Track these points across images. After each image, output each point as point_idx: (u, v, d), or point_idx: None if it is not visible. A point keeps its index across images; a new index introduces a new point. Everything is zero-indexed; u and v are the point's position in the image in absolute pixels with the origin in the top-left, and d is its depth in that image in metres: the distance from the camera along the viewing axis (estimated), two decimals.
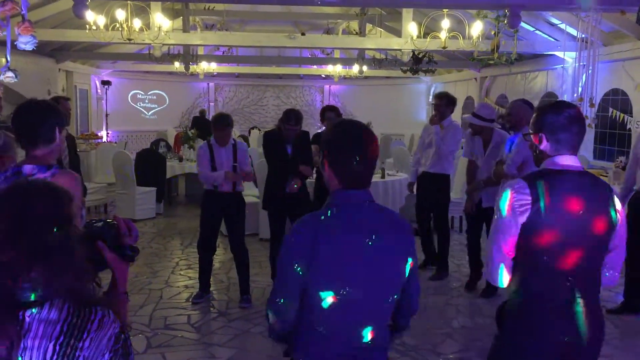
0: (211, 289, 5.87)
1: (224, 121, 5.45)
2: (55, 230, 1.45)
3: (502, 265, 2.34)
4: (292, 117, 5.50)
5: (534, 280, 2.32)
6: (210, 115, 16.07)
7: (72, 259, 1.46)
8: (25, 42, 2.72)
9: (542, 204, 2.23)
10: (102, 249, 1.65)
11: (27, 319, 1.39)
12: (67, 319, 1.41)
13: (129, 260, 1.69)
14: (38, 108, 2.63)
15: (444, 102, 6.26)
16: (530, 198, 2.25)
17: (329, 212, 1.95)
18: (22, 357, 1.38)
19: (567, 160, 2.34)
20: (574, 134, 2.35)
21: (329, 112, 6.36)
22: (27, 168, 2.49)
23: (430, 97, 18.04)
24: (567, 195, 2.26)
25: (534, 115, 2.47)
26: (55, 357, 1.39)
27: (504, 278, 2.36)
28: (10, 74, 2.75)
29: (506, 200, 2.29)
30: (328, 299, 1.91)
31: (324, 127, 6.66)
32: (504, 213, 2.29)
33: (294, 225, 2.00)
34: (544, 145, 2.37)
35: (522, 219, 2.26)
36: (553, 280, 2.29)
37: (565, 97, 9.98)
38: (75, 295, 1.44)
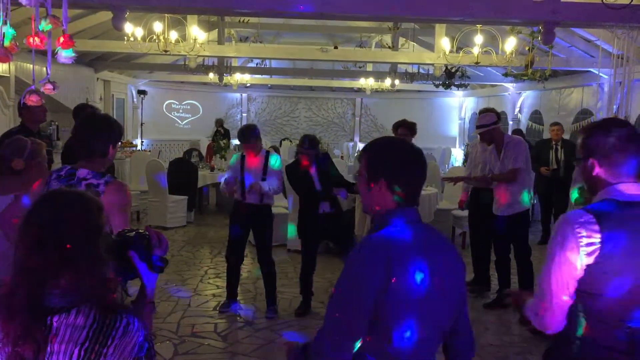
0: (238, 298, 5.92)
1: (245, 136, 5.53)
2: (84, 238, 1.50)
3: (558, 311, 2.03)
4: (306, 140, 5.60)
5: (593, 326, 2.00)
6: (240, 124, 16.29)
7: (100, 267, 1.50)
8: (65, 56, 2.82)
9: (613, 244, 1.91)
10: (132, 258, 1.70)
11: (55, 324, 1.44)
12: (93, 325, 1.45)
13: (158, 271, 1.73)
14: (96, 124, 2.90)
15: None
16: (599, 235, 1.92)
17: (390, 231, 1.81)
18: None
19: (632, 189, 2.01)
20: (632, 156, 2.03)
21: (402, 129, 6.29)
22: (82, 172, 2.73)
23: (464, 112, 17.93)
24: None
25: (580, 137, 2.17)
26: None
27: (560, 324, 2.06)
28: (49, 86, 2.85)
29: (569, 236, 1.96)
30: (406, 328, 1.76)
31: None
32: (566, 251, 1.96)
33: (355, 253, 1.81)
34: (597, 171, 2.06)
35: (589, 260, 1.93)
36: (612, 328, 1.98)
37: (601, 115, 9.82)
38: (101, 302, 1.48)
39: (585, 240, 1.92)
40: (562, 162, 8.64)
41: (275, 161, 5.60)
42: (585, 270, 1.94)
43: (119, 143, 3.01)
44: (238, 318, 5.53)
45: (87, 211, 1.55)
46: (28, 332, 1.41)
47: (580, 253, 1.93)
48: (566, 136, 9.57)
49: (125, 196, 2.76)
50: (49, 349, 1.42)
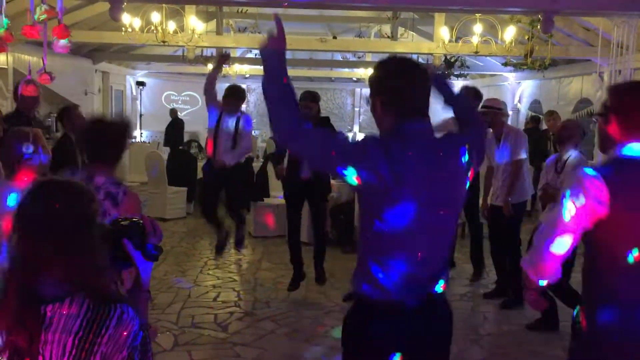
0: (238, 289, 5.94)
1: (235, 95, 6.04)
2: (76, 227, 1.50)
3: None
4: (307, 95, 5.48)
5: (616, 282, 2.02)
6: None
7: (93, 255, 1.50)
8: (61, 46, 2.81)
9: (621, 201, 1.94)
10: (126, 247, 1.70)
11: (49, 313, 1.44)
12: (87, 315, 1.45)
13: (153, 260, 1.73)
14: (113, 130, 2.86)
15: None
16: (608, 194, 1.94)
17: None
18: (42, 350, 1.43)
19: None
20: None
21: None
22: (100, 179, 2.73)
23: None
24: None
25: (609, 93, 2.20)
26: (74, 351, 1.43)
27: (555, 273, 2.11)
28: (46, 76, 2.84)
29: (577, 194, 1.98)
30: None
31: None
32: (571, 211, 1.99)
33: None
34: (613, 128, 2.10)
35: (593, 218, 1.98)
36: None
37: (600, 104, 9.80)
38: (95, 291, 1.48)
39: (591, 195, 1.95)
40: None
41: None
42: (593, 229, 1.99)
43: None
44: (238, 309, 5.54)
45: (79, 200, 1.54)
46: (21, 321, 1.41)
47: (588, 207, 1.96)
48: None
49: (138, 207, 2.84)
50: (42, 338, 1.42)
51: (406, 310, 1.98)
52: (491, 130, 5.67)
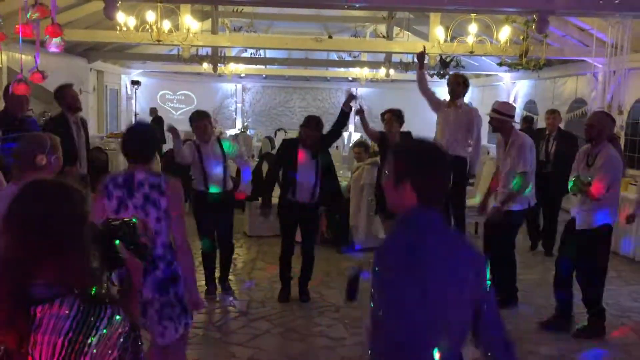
0: (233, 288, 5.93)
1: (196, 116, 5.55)
2: (67, 228, 1.49)
3: None
4: (312, 121, 5.53)
5: None
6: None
7: (84, 257, 1.50)
8: (54, 44, 2.80)
9: None
10: (118, 247, 1.69)
11: (39, 314, 1.43)
12: (77, 316, 1.44)
13: (144, 260, 1.72)
14: (149, 134, 3.30)
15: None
16: None
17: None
18: (32, 351, 1.42)
19: None
20: None
21: (388, 114, 6.50)
22: (140, 175, 3.06)
23: None
24: None
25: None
26: (64, 352, 1.42)
27: None
28: (38, 75, 2.83)
29: None
30: None
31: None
32: None
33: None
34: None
35: None
36: None
37: (595, 104, 9.83)
38: (85, 292, 1.47)
39: None
40: (553, 155, 7.50)
41: (229, 147, 5.70)
42: None
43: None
44: (232, 308, 5.53)
45: (70, 201, 1.54)
46: (11, 322, 1.40)
47: None
48: (542, 125, 8.92)
49: (181, 192, 3.20)
50: (32, 339, 1.41)
51: None
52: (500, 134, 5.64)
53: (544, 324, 5.17)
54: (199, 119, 5.49)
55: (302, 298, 5.68)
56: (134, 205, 3.06)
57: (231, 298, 5.75)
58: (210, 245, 5.75)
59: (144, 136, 3.23)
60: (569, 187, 5.08)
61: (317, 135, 5.53)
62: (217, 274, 5.90)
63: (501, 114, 5.52)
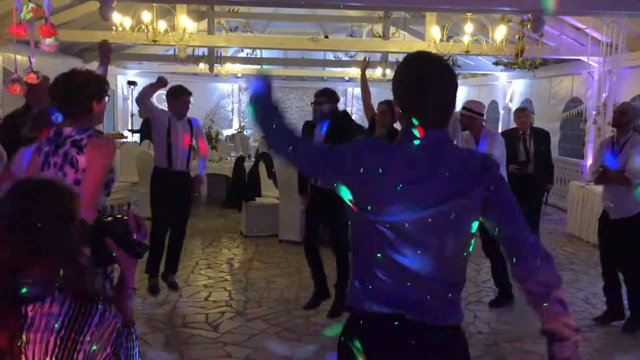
0: (230, 288, 5.93)
1: (180, 90, 5.51)
2: (55, 227, 1.49)
3: None
4: (324, 91, 5.19)
5: None
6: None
7: (73, 255, 1.50)
8: (48, 44, 2.80)
9: None
10: (110, 244, 1.69)
11: (30, 313, 1.43)
12: (69, 313, 1.45)
13: (137, 257, 1.72)
14: (75, 79, 2.78)
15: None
16: None
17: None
18: (24, 350, 1.42)
19: None
20: None
21: (382, 105, 6.11)
22: (67, 130, 2.69)
23: None
24: None
25: None
26: (56, 350, 1.43)
27: None
28: (32, 75, 2.83)
29: None
30: None
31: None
32: None
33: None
34: None
35: None
36: None
37: (591, 103, 9.86)
38: (76, 290, 1.47)
39: None
40: (532, 154, 7.21)
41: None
42: None
43: (106, 98, 2.91)
44: (229, 308, 5.53)
45: (58, 199, 1.54)
46: (2, 321, 1.40)
47: None
48: (539, 124, 9.08)
49: (107, 155, 2.71)
50: (24, 338, 1.42)
51: None
52: (469, 132, 5.70)
53: (597, 320, 5.28)
54: (183, 94, 5.47)
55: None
56: (54, 163, 2.69)
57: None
58: (162, 227, 5.50)
59: (72, 82, 2.77)
60: (595, 178, 5.16)
61: (328, 107, 5.13)
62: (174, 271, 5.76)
63: (471, 111, 5.61)
